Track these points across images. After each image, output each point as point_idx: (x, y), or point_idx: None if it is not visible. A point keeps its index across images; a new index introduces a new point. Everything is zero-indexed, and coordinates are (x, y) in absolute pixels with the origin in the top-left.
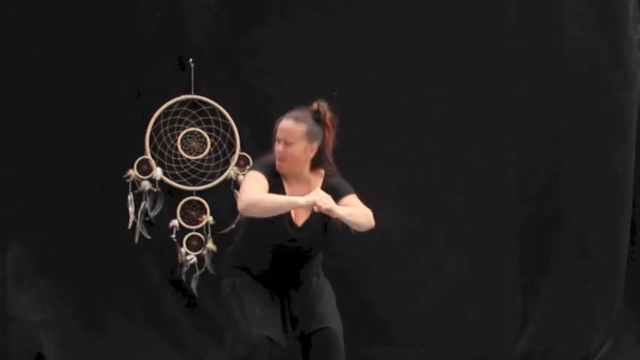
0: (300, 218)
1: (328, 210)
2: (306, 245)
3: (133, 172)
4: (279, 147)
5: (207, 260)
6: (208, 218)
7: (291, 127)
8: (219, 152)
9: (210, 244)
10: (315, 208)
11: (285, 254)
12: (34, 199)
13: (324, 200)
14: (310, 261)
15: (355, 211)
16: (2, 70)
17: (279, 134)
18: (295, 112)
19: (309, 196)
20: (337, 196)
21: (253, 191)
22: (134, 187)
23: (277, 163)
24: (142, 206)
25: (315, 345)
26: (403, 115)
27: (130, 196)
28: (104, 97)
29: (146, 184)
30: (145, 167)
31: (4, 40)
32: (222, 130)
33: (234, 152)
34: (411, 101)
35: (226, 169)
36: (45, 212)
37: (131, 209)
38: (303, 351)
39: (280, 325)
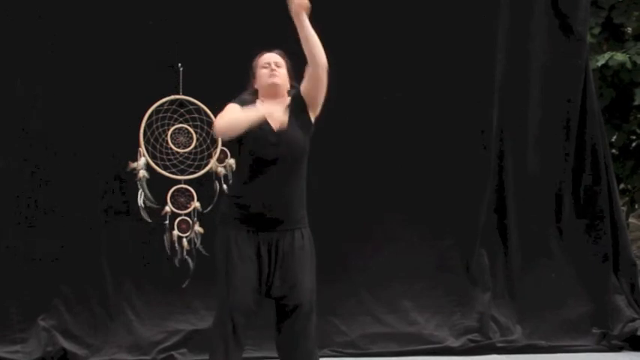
0: (276, 126)
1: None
2: (286, 150)
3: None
4: (271, 67)
5: (197, 241)
6: (196, 204)
7: (276, 56)
8: (204, 146)
9: (197, 227)
10: (262, 116)
11: (268, 168)
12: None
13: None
14: (293, 185)
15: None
16: (18, 76)
17: (267, 60)
18: (270, 50)
19: (257, 110)
20: (298, 93)
21: (226, 115)
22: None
23: (270, 80)
24: (139, 193)
25: (289, 316)
26: (377, 114)
27: (139, 186)
28: (105, 98)
29: (144, 173)
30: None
31: (15, 49)
32: (206, 127)
33: (215, 147)
34: (383, 101)
35: (210, 161)
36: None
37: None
38: (278, 313)
39: (257, 290)
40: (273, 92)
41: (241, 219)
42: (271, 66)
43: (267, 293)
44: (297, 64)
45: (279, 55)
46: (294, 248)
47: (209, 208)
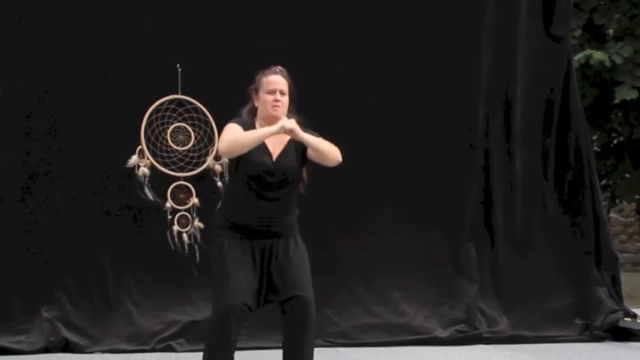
0: (275, 154)
1: (292, 130)
2: (282, 177)
3: (137, 159)
4: (276, 96)
5: (197, 235)
6: (194, 200)
7: (282, 80)
8: (202, 144)
9: (196, 222)
10: (282, 130)
11: (264, 191)
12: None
13: (289, 123)
14: (287, 204)
15: (321, 140)
16: (21, 77)
17: (274, 86)
18: (276, 69)
19: (277, 124)
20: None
21: (231, 135)
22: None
23: (273, 110)
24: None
25: (289, 311)
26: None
27: (145, 181)
28: (106, 98)
29: (145, 170)
30: (142, 155)
31: (18, 50)
32: (203, 126)
33: (212, 144)
34: (373, 99)
35: (207, 159)
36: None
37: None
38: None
39: (256, 293)
40: (272, 121)
41: (234, 229)
42: (276, 95)
43: (265, 299)
44: (297, 64)
45: (284, 77)
46: (289, 251)
47: (218, 207)
